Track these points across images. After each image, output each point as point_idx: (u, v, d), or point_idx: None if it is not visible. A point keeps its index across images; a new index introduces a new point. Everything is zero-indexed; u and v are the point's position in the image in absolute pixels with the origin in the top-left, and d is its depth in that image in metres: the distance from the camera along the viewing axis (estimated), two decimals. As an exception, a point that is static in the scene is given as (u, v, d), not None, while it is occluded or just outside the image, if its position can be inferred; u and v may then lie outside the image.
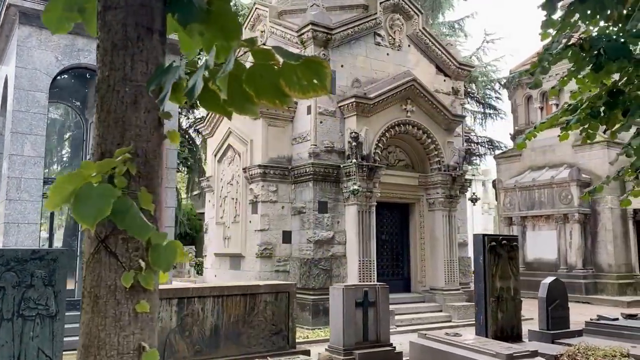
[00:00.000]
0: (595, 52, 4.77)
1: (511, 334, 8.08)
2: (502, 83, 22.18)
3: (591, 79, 5.25)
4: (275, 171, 11.65)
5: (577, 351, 6.91)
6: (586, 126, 5.35)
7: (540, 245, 19.33)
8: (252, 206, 11.74)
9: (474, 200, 13.18)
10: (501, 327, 7.96)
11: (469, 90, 22.67)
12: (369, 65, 12.48)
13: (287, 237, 11.65)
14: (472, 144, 23.41)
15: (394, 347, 6.96)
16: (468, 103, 23.58)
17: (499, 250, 8.13)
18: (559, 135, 5.60)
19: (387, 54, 12.86)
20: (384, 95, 11.83)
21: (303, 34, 11.63)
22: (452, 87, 13.92)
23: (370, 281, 11.17)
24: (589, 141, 5.58)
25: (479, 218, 46.98)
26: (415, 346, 7.09)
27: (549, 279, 9.05)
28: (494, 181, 21.96)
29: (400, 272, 13.01)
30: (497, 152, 22.35)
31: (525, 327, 9.33)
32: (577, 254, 18.12)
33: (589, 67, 5.02)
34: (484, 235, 8.15)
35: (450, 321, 11.74)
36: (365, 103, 11.51)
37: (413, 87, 12.28)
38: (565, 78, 5.32)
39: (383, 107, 11.91)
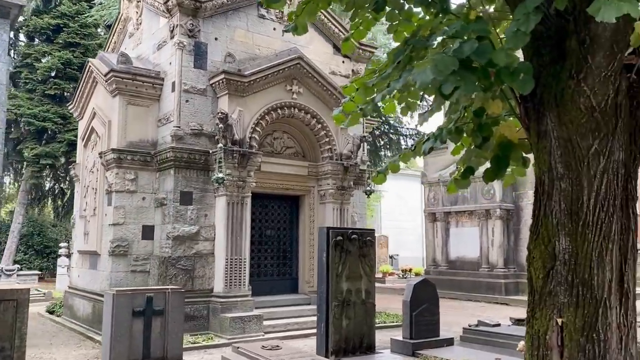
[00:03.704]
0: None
1: (360, 344, 6.88)
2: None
3: (405, 28, 4.05)
4: (135, 157, 10.18)
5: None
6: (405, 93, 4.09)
7: (463, 242, 18.39)
8: (107, 197, 10.25)
9: (368, 192, 11.98)
10: (346, 337, 6.75)
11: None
12: (250, 40, 11.14)
13: (148, 232, 10.20)
14: (401, 137, 22.42)
15: (185, 366, 5.65)
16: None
17: (348, 246, 6.91)
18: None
19: (274, 29, 11.54)
20: (263, 74, 10.51)
21: (168, 1, 10.20)
22: (353, 70, 12.72)
23: (240, 282, 9.86)
24: (410, 112, 4.36)
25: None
26: (226, 363, 5.80)
27: (414, 280, 7.90)
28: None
29: (288, 272, 11.73)
30: (426, 145, 21.31)
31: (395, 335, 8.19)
32: (499, 252, 17.23)
33: (370, 8, 3.82)
34: (328, 228, 6.93)
35: (334, 326, 10.51)
36: (238, 81, 10.16)
37: (299, 66, 11.00)
38: (361, 28, 4.09)
39: (263, 87, 10.59)
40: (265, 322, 9.87)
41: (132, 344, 5.15)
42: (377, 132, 23.63)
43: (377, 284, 21.75)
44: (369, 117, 13.19)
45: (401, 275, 25.57)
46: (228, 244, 9.80)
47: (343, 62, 12.64)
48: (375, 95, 3.17)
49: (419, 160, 20.96)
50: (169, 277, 9.54)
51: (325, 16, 12.17)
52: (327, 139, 11.46)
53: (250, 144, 10.23)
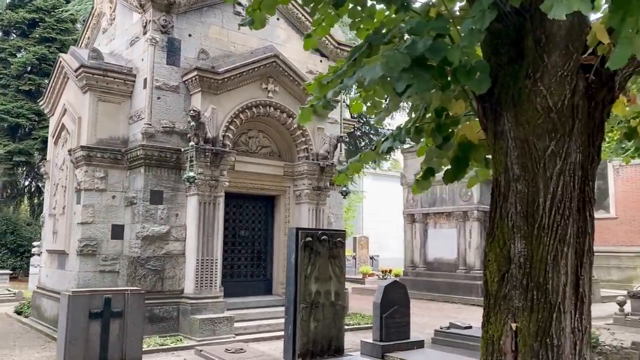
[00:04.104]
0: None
1: (328, 347, 6.78)
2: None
3: (368, 25, 3.96)
4: (105, 154, 9.95)
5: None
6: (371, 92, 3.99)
7: (441, 244, 18.40)
8: (76, 195, 10.02)
9: (344, 193, 11.91)
10: (314, 340, 6.64)
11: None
12: (225, 38, 10.98)
13: (118, 231, 9.99)
14: (382, 137, 22.37)
15: (144, 370, 5.50)
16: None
17: (317, 247, 6.81)
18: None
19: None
20: (238, 71, 10.36)
21: (141, -5, 10.01)
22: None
23: (212, 284, 9.71)
24: (375, 111, 4.25)
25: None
26: (188, 366, 5.66)
27: (385, 282, 7.83)
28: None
29: (262, 273, 11.59)
30: (406, 146, 21.36)
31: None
32: (476, 253, 17.26)
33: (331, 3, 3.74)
34: (297, 228, 6.82)
35: (307, 328, 10.40)
36: (212, 78, 10.00)
37: (275, 65, 10.87)
38: (324, 24, 3.98)
39: (237, 85, 10.44)
40: (237, 324, 9.73)
41: (88, 347, 4.98)
42: (358, 133, 23.56)
43: (357, 285, 21.69)
44: (331, 114, 13.09)
45: (381, 277, 25.57)
46: (199, 245, 9.63)
47: (321, 61, 12.55)
48: (328, 92, 3.07)
49: (402, 161, 20.99)
50: (138, 278, 9.34)
51: (302, 15, 12.07)
52: (303, 139, 11.35)
53: (223, 143, 10.07)
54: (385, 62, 2.60)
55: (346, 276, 26.11)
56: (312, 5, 3.78)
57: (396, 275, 28.77)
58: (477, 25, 2.67)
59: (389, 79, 3.00)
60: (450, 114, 3.74)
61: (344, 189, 11.86)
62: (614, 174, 23.34)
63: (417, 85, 2.77)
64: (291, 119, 11.16)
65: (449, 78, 2.95)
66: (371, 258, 31.71)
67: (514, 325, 2.93)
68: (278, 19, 11.89)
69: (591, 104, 3.00)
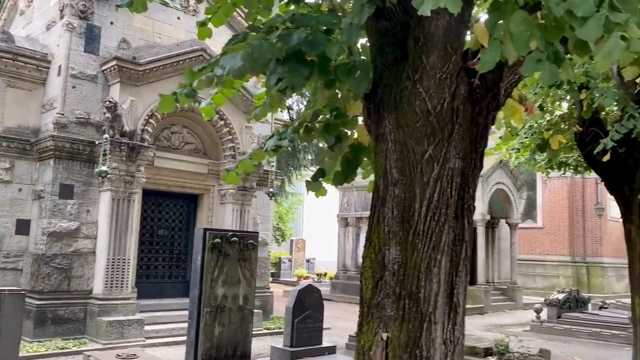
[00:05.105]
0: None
1: (233, 353, 6.53)
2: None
3: (265, 16, 3.80)
4: (12, 144, 9.29)
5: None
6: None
7: (372, 248, 18.43)
8: (-23, 186, 9.31)
9: (271, 195, 11.68)
10: (218, 345, 6.37)
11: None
12: (151, 28, 10.53)
13: (23, 226, 9.33)
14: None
15: (20, 378, 5.08)
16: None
17: (226, 249, 6.55)
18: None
19: (178, 18, 10.99)
20: (161, 63, 9.94)
21: (58, -23, 9.44)
22: (262, 67, 12.37)
23: (123, 284, 9.23)
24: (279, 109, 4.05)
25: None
26: (74, 373, 5.27)
27: (300, 286, 7.67)
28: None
29: (181, 274, 11.18)
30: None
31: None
32: (405, 258, 17.41)
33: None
34: (204, 229, 6.55)
35: (225, 331, 10.10)
36: (132, 69, 9.54)
37: (202, 58, 10.49)
38: (219, 12, 3.78)
39: (160, 77, 10.00)
40: (150, 327, 9.32)
41: (-45, 353, 4.52)
42: (296, 135, 23.35)
43: (291, 288, 21.50)
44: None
45: (316, 280, 25.58)
46: (111, 243, 9.14)
47: (252, 59, 12.26)
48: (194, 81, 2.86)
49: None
50: (42, 276, 8.76)
51: (235, 11, 11.74)
52: (230, 137, 11.05)
53: (142, 137, 9.62)
54: (250, 51, 2.42)
55: (282, 279, 25.93)
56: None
57: (331, 279, 28.81)
58: (356, 20, 2.54)
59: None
60: (348, 114, 3.62)
61: (271, 190, 11.64)
62: (542, 186, 24.25)
63: (290, 79, 2.61)
64: (217, 115, 10.83)
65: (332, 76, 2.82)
66: (308, 261, 31.64)
67: (384, 335, 2.80)
68: (209, 12, 11.52)
69: (475, 110, 2.93)
